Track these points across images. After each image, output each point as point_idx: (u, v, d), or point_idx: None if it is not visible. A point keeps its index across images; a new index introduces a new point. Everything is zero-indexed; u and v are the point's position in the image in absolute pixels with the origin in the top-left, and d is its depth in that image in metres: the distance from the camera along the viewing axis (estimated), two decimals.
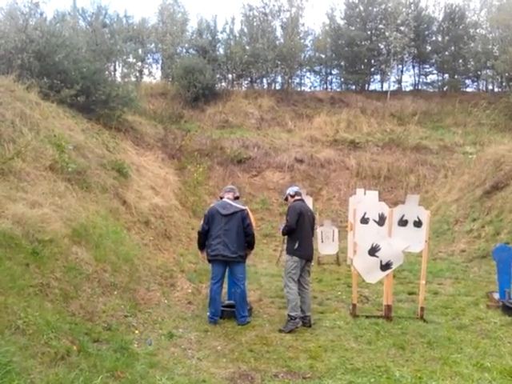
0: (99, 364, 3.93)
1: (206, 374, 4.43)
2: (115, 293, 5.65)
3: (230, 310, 6.13)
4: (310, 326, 5.95)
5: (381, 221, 6.47)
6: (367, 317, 6.27)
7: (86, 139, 9.60)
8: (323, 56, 22.99)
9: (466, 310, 6.64)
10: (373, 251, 6.38)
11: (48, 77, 11.08)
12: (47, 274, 4.77)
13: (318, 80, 23.82)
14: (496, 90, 22.06)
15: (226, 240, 5.90)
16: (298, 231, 6.09)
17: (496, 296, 6.91)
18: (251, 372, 4.55)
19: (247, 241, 6.10)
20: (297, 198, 6.37)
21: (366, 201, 7.51)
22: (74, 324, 4.41)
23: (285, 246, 6.38)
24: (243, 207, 6.18)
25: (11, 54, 10.79)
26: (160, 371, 4.32)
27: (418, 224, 6.40)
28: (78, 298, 4.94)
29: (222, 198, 6.35)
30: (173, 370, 4.41)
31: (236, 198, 6.33)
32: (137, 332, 5.15)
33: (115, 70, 19.15)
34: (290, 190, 6.50)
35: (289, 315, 5.86)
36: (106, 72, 15.00)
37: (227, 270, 6.10)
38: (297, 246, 6.04)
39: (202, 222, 6.24)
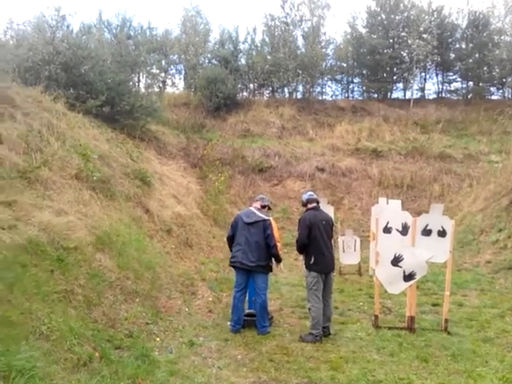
0: (120, 371, 3.97)
1: (226, 383, 4.43)
2: (137, 300, 5.71)
3: (251, 319, 6.12)
4: (329, 335, 5.84)
5: (404, 230, 6.38)
6: (390, 328, 6.18)
7: (110, 149, 9.79)
8: (345, 65, 22.94)
9: (491, 323, 6.48)
10: (396, 261, 6.29)
11: (74, 88, 11.38)
12: (71, 281, 4.86)
13: (340, 89, 23.76)
14: None
15: (246, 248, 5.93)
16: (312, 245, 5.85)
17: None
18: (271, 382, 4.53)
19: (270, 252, 6.06)
20: (309, 206, 6.10)
21: (389, 210, 7.43)
22: (97, 331, 4.47)
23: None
24: (266, 217, 6.17)
25: (39, 66, 11.12)
26: (180, 379, 4.34)
27: (442, 234, 6.29)
28: (101, 305, 5.00)
29: (250, 206, 6.42)
30: (193, 378, 4.42)
31: (263, 207, 6.34)
32: (158, 339, 5.19)
33: (139, 80, 19.53)
34: (303, 197, 6.27)
35: (310, 332, 5.75)
36: (131, 83, 15.29)
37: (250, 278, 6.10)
38: (313, 260, 5.82)
39: (228, 229, 6.36)
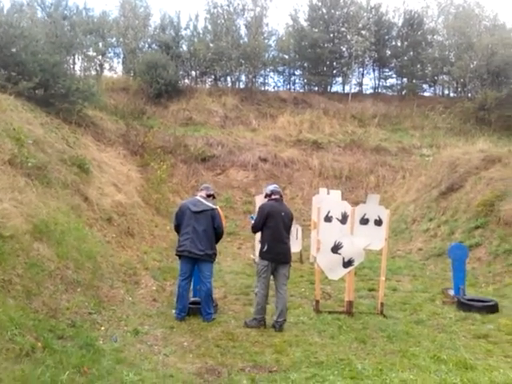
0: (65, 360, 3.87)
1: (173, 369, 4.43)
2: (78, 290, 5.54)
3: (196, 307, 6.13)
4: (279, 331, 5.71)
5: (343, 219, 6.64)
6: (330, 312, 6.43)
7: (45, 133, 9.33)
8: (287, 57, 23.24)
9: (423, 306, 6.92)
10: (336, 249, 6.54)
11: (5, 68, 10.71)
12: (9, 271, 4.63)
13: (282, 80, 24.08)
14: (452, 94, 23.03)
15: (194, 237, 5.91)
16: (266, 233, 5.92)
17: (451, 292, 7.24)
18: (218, 367, 4.59)
19: (217, 240, 6.12)
20: (273, 197, 6.12)
21: (330, 200, 7.69)
22: (38, 321, 4.32)
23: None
24: (214, 206, 6.19)
25: None
26: (127, 367, 4.29)
27: (378, 223, 6.61)
28: (41, 294, 4.82)
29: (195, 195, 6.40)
30: (140, 365, 4.39)
31: (208, 196, 6.32)
32: (102, 329, 5.08)
33: (74, 63, 18.73)
34: (267, 189, 6.31)
35: (254, 318, 5.83)
36: (66, 65, 14.61)
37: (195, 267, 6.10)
38: (266, 248, 5.87)
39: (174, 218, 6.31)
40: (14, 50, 10.89)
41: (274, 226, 5.90)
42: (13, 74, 10.70)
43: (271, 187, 6.28)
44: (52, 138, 9.44)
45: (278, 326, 5.79)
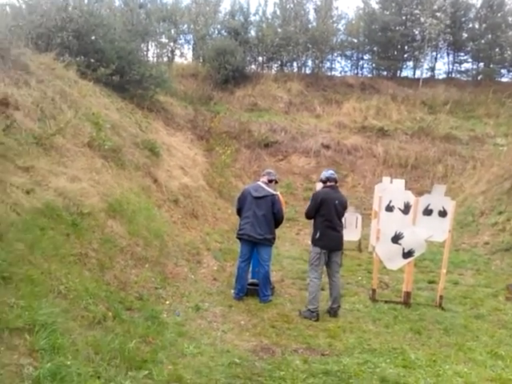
0: (132, 330, 4.25)
1: (230, 345, 4.72)
2: (146, 266, 5.98)
3: (254, 288, 6.39)
4: (334, 317, 5.83)
5: (406, 209, 6.59)
6: (386, 302, 6.45)
7: (120, 118, 9.93)
8: (355, 41, 22.69)
9: (484, 301, 6.75)
10: (396, 239, 6.51)
11: (85, 56, 11.41)
12: (85, 245, 5.11)
13: (349, 65, 23.55)
14: None
15: (254, 221, 6.13)
16: (319, 221, 5.93)
17: None
18: (272, 346, 4.82)
19: (276, 224, 6.31)
20: (328, 184, 6.10)
21: (392, 189, 7.61)
22: (109, 292, 4.74)
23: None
24: (274, 192, 6.37)
25: (51, 33, 11.14)
26: (188, 340, 4.63)
27: (442, 214, 6.48)
28: (113, 268, 5.27)
29: (258, 180, 6.59)
30: (199, 339, 4.72)
31: (270, 182, 6.47)
32: (167, 303, 5.48)
33: (148, 49, 19.44)
34: (322, 175, 6.27)
35: (308, 308, 5.81)
36: (140, 52, 15.28)
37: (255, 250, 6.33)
38: (318, 235, 5.89)
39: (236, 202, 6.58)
40: (93, 37, 11.58)
41: (326, 213, 5.89)
42: (92, 61, 11.40)
43: (327, 173, 6.20)
44: (126, 122, 10.03)
45: (333, 312, 5.89)
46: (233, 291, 6.34)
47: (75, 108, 8.24)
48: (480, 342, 5.22)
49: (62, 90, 8.38)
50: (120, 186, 7.16)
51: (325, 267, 6.03)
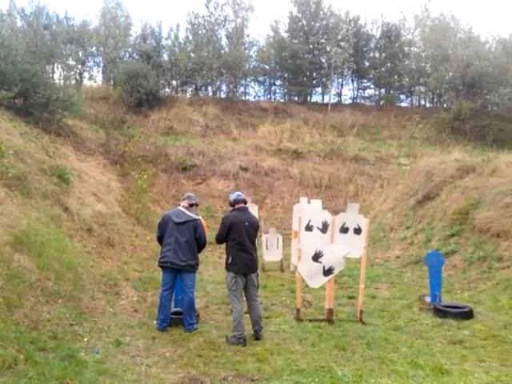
0: (47, 372, 3.88)
1: (155, 379, 4.45)
2: (59, 301, 5.52)
3: (178, 317, 6.15)
4: (258, 339, 5.73)
5: (324, 228, 6.76)
6: (310, 320, 6.52)
7: (24, 143, 9.28)
8: (267, 67, 23.53)
9: (400, 313, 7.07)
10: (316, 257, 6.65)
11: None
12: None
13: (262, 90, 24.39)
14: (428, 105, 23.61)
15: (176, 248, 5.93)
16: (231, 244, 5.81)
17: (428, 299, 7.40)
18: (201, 376, 4.62)
19: (199, 250, 6.17)
20: (236, 206, 5.97)
21: (311, 209, 7.81)
22: (19, 333, 4.30)
23: None
24: (196, 217, 6.22)
25: None
26: (110, 378, 4.30)
27: (357, 231, 6.75)
28: (22, 306, 4.80)
29: (179, 205, 6.39)
30: (122, 376, 4.41)
31: (191, 205, 6.33)
32: (84, 340, 5.07)
33: (54, 72, 18.59)
34: (230, 198, 6.12)
35: (233, 335, 5.63)
36: (46, 74, 14.51)
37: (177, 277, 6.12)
38: (230, 260, 5.76)
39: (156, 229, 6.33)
40: None
41: (237, 236, 5.78)
42: None
43: (234, 196, 6.07)
44: (32, 147, 9.39)
45: (256, 334, 5.80)
46: (156, 322, 6.05)
47: None
48: (400, 353, 5.42)
49: None
50: (27, 217, 6.61)
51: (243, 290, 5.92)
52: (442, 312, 6.80)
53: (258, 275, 6.10)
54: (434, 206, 11.14)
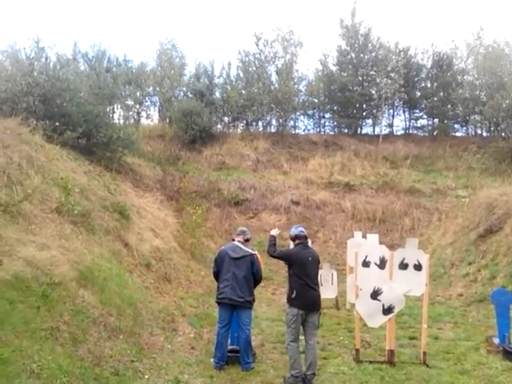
0: None
1: None
2: (121, 337, 5.64)
3: (234, 355, 6.10)
4: None
5: (382, 264, 6.57)
6: (371, 362, 6.27)
7: (88, 181, 9.74)
8: (316, 100, 23.74)
9: (467, 355, 6.67)
10: (375, 295, 6.45)
11: (52, 119, 11.36)
12: (56, 318, 4.79)
13: (312, 123, 24.54)
14: (485, 134, 22.81)
15: (234, 283, 5.95)
16: (294, 280, 5.71)
17: (496, 341, 6.95)
18: None
19: (255, 285, 6.16)
20: (297, 241, 5.93)
21: (367, 244, 7.65)
22: (84, 369, 4.41)
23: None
24: (253, 252, 6.25)
25: (16, 97, 11.08)
26: None
27: (418, 267, 6.50)
28: (86, 342, 4.94)
29: (233, 240, 6.44)
30: None
31: (246, 241, 6.38)
32: (146, 377, 5.13)
33: (114, 112, 19.62)
34: (292, 232, 6.05)
35: (291, 374, 5.53)
36: (107, 115, 15.34)
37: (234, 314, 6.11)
38: (294, 295, 5.65)
39: (213, 264, 6.39)
40: (59, 101, 11.57)
41: (301, 271, 5.70)
42: (58, 125, 11.34)
43: (296, 231, 6.01)
44: (94, 185, 9.84)
45: (308, 381, 5.53)
46: (212, 360, 6.03)
47: (42, 173, 8.05)
48: None
49: (28, 154, 8.20)
50: (90, 253, 6.88)
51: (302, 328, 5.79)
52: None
53: (320, 314, 5.97)
54: (498, 240, 10.57)
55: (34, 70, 11.70)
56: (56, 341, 4.51)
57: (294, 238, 6.01)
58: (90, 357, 4.79)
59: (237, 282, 5.95)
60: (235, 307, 6.00)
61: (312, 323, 5.75)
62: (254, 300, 6.21)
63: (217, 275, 6.26)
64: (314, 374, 5.62)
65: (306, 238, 6.06)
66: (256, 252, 6.42)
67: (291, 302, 5.72)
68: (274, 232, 6.24)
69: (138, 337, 6.03)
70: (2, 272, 4.59)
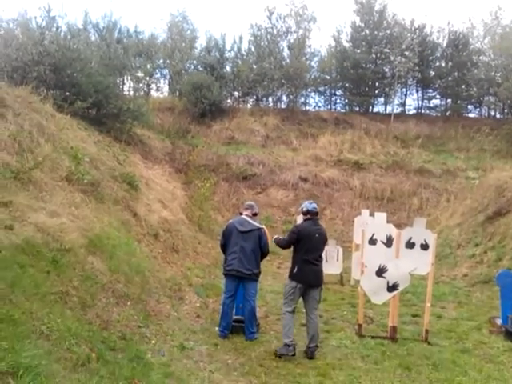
0: (117, 372, 4.04)
1: None
2: (128, 303, 5.76)
3: (239, 325, 6.22)
4: (311, 358, 5.53)
5: (388, 242, 6.60)
6: (373, 337, 6.36)
7: (98, 151, 9.80)
8: (328, 77, 23.38)
9: (469, 334, 6.73)
10: (380, 272, 6.50)
11: (62, 89, 11.34)
12: (66, 283, 4.89)
13: (323, 100, 24.23)
14: (498, 116, 22.43)
15: (241, 256, 6.02)
16: (298, 254, 5.76)
17: (498, 321, 7.00)
18: None
19: (261, 258, 6.23)
20: (308, 216, 5.91)
21: (375, 222, 7.66)
22: (92, 332, 4.52)
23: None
24: (260, 226, 6.31)
25: (27, 66, 11.05)
26: (175, 381, 4.43)
27: (424, 247, 6.52)
28: (95, 306, 5.04)
29: (241, 214, 6.49)
30: (187, 381, 4.52)
31: (254, 215, 6.43)
32: (152, 342, 5.25)
33: (124, 83, 19.52)
34: (304, 206, 6.03)
35: (284, 343, 5.55)
36: (117, 86, 15.28)
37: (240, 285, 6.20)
38: (296, 270, 5.69)
39: (220, 237, 6.45)
40: (70, 71, 11.53)
41: (306, 247, 5.73)
42: (68, 95, 11.31)
43: (310, 206, 5.97)
44: (104, 155, 9.89)
45: (310, 353, 5.59)
46: (217, 329, 6.15)
47: (53, 141, 8.10)
48: (469, 377, 5.17)
49: (39, 123, 8.24)
50: (99, 221, 6.97)
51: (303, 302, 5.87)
52: None
53: (321, 289, 6.01)
54: (506, 222, 10.53)
55: (44, 40, 11.62)
56: (65, 304, 4.61)
57: (305, 213, 5.96)
58: (98, 321, 4.90)
59: (244, 255, 6.02)
60: (242, 279, 6.09)
61: (313, 298, 5.80)
62: (260, 272, 6.29)
63: (224, 247, 6.34)
64: (316, 346, 5.71)
65: (317, 214, 6.03)
66: (263, 226, 6.47)
67: (292, 276, 5.76)
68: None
69: (145, 304, 6.14)
70: (13, 237, 4.67)
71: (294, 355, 5.51)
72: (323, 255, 9.76)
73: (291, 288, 5.74)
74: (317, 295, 5.85)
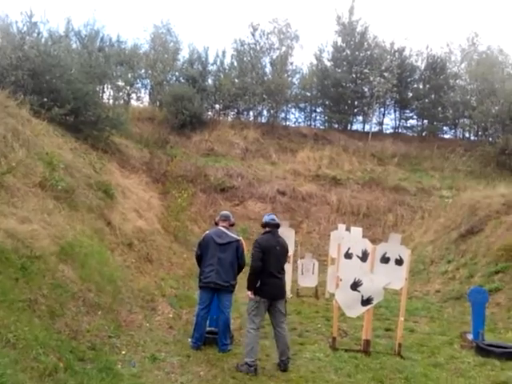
0: (86, 382, 3.94)
1: None
2: (99, 313, 5.63)
3: (212, 337, 6.14)
4: (284, 371, 5.39)
5: (364, 257, 6.65)
6: (346, 350, 6.36)
7: (73, 158, 9.66)
8: (309, 94, 23.75)
9: (441, 349, 6.79)
10: (355, 286, 6.53)
11: (40, 95, 11.17)
12: (35, 290, 4.76)
13: (303, 116, 24.57)
14: (472, 138, 23.11)
15: (219, 268, 5.94)
16: (261, 269, 5.54)
17: (470, 337, 7.08)
18: None
19: (238, 270, 6.19)
20: (267, 229, 5.77)
21: (351, 237, 7.72)
22: (60, 341, 4.40)
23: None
24: (238, 237, 6.26)
25: (5, 70, 10.89)
26: None
27: (399, 262, 6.58)
28: (64, 315, 4.92)
29: (217, 224, 6.40)
30: None
31: (231, 225, 6.40)
32: (122, 353, 5.13)
33: (104, 91, 19.38)
34: (264, 219, 5.91)
35: (245, 362, 5.32)
36: (97, 94, 15.15)
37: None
38: (259, 284, 5.51)
39: (196, 248, 6.35)
40: (49, 77, 11.38)
41: (267, 261, 5.55)
42: (46, 101, 11.16)
43: (268, 218, 5.88)
44: (80, 162, 9.75)
45: (283, 366, 5.48)
46: (190, 340, 6.05)
47: (27, 147, 7.96)
48: None
49: (14, 128, 8.09)
50: (72, 229, 6.83)
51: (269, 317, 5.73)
52: (484, 351, 6.48)
53: (286, 302, 5.87)
54: (478, 240, 10.75)
55: (24, 44, 11.50)
56: (33, 313, 4.48)
57: (264, 225, 5.86)
58: (67, 330, 4.78)
59: (222, 267, 5.96)
60: (217, 290, 6.01)
61: (278, 311, 5.66)
62: (236, 284, 6.24)
63: (199, 259, 6.24)
64: (288, 358, 5.61)
65: (276, 226, 5.87)
66: (241, 238, 6.44)
67: (255, 290, 5.57)
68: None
69: (117, 314, 6.02)
70: None
71: (255, 375, 5.27)
72: (300, 268, 9.92)
73: (254, 303, 5.56)
74: (282, 308, 5.71)
